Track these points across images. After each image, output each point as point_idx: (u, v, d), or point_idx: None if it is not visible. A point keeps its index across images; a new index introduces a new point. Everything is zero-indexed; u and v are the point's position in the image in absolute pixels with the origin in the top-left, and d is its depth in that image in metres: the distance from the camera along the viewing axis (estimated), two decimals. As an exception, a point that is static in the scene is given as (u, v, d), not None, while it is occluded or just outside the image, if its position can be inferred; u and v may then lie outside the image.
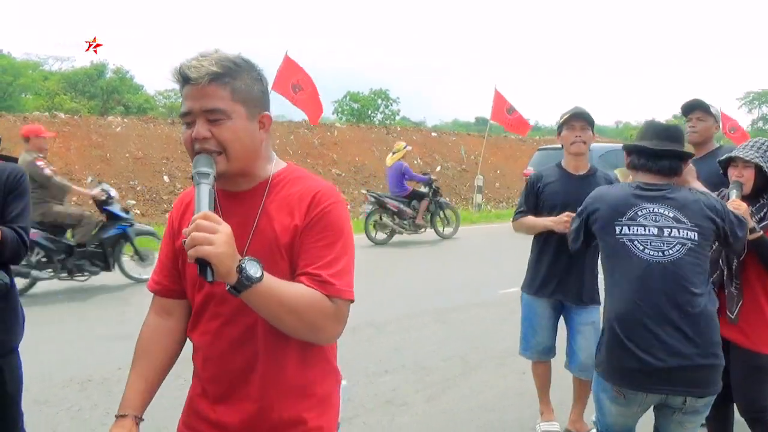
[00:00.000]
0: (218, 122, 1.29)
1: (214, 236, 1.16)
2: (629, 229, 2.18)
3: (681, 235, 2.13)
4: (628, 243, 2.17)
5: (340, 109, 36.82)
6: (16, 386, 2.26)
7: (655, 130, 2.33)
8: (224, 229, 1.19)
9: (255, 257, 1.23)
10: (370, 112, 36.94)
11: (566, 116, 3.15)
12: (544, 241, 3.17)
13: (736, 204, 2.41)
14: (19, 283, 6.26)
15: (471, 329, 5.33)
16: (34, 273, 6.06)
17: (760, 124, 51.44)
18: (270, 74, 10.71)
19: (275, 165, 1.44)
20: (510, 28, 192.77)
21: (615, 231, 2.21)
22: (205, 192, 1.26)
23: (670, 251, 2.11)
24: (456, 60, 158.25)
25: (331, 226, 1.35)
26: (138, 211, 11.91)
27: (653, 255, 2.12)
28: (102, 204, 6.61)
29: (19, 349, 2.28)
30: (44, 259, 6.16)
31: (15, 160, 2.36)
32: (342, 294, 1.33)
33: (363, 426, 3.45)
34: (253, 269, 1.20)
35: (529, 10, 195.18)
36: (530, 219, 3.22)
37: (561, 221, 2.95)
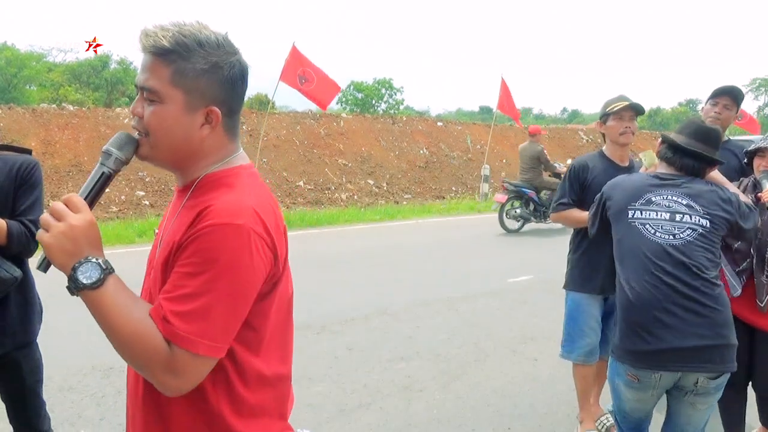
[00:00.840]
0: (151, 103, 1.13)
1: (55, 224, 1.02)
2: (641, 214, 2.23)
3: (692, 221, 2.17)
4: (640, 226, 2.22)
5: (344, 99, 36.80)
6: (35, 377, 2.25)
7: (693, 128, 2.33)
8: (72, 220, 1.02)
9: (106, 263, 1.05)
10: (374, 101, 36.92)
11: (617, 107, 3.02)
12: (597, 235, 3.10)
13: None
14: (514, 224, 10.30)
15: (482, 317, 5.39)
16: (531, 218, 10.16)
17: (767, 110, 51.08)
18: (272, 67, 10.78)
19: (226, 163, 1.19)
20: (512, 18, 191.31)
21: (628, 215, 2.26)
22: (95, 174, 1.12)
23: (681, 234, 2.16)
24: (459, 50, 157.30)
25: (203, 252, 1.04)
26: (147, 202, 12.00)
27: (664, 238, 2.16)
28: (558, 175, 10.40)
29: (44, 337, 2.27)
30: (534, 210, 10.17)
31: (29, 151, 2.18)
32: (179, 341, 1.02)
33: (380, 411, 3.53)
34: (86, 275, 1.01)
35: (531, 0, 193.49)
36: (577, 213, 3.08)
37: None
